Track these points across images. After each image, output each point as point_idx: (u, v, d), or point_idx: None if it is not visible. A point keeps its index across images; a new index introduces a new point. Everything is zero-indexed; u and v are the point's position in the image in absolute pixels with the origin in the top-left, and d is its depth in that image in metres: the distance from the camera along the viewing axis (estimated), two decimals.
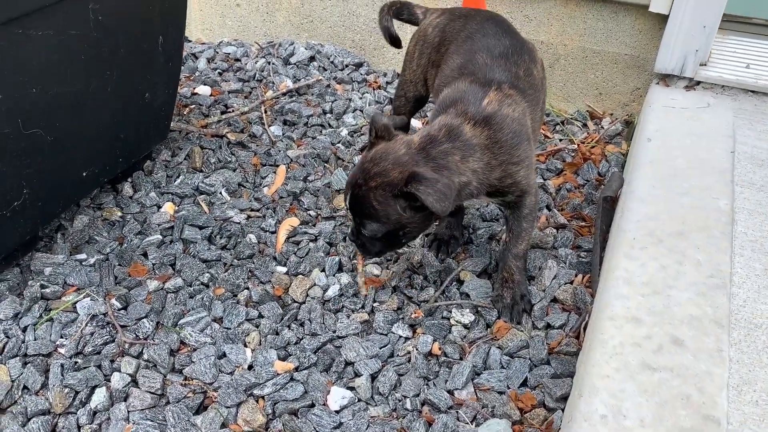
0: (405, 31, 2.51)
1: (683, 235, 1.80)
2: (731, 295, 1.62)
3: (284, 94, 2.86)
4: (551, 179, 2.38)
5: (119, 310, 1.83)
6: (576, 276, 1.93)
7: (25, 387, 1.63)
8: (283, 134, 2.62)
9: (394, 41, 2.32)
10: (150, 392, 1.63)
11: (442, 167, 1.56)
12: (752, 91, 2.48)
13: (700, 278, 1.67)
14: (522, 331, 1.78)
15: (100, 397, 1.61)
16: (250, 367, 1.71)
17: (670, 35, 2.47)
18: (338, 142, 2.59)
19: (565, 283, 1.90)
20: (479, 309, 1.84)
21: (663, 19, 2.52)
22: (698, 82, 2.54)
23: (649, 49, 2.64)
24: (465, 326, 1.80)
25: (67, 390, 1.61)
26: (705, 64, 2.53)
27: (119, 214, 2.16)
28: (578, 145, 2.56)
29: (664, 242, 1.78)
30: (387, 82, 3.00)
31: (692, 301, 1.61)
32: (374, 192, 1.57)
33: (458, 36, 1.92)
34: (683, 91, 2.52)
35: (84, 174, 2.02)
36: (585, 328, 1.75)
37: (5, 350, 1.70)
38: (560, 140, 2.63)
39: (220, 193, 2.28)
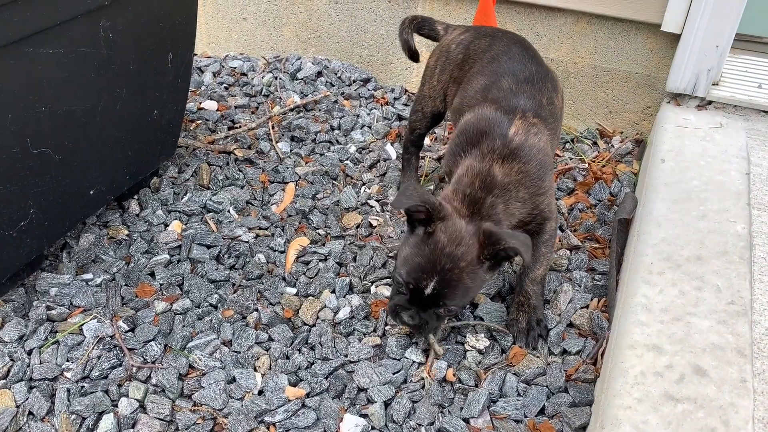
0: (422, 47, 2.48)
1: (701, 260, 1.77)
2: (753, 322, 1.60)
3: (292, 110, 2.83)
4: (563, 198, 2.36)
5: (126, 332, 1.79)
6: (592, 300, 1.90)
7: (30, 413, 1.59)
8: (290, 151, 2.60)
9: (413, 55, 2.31)
10: (158, 419, 1.59)
11: (496, 223, 1.60)
12: (765, 112, 2.46)
13: (720, 305, 1.64)
14: (538, 357, 1.75)
15: (107, 423, 1.57)
16: (261, 393, 1.67)
17: (682, 54, 2.46)
18: (346, 159, 2.56)
19: (581, 308, 1.87)
20: (494, 334, 1.81)
21: (675, 38, 2.50)
22: (710, 102, 2.52)
23: (660, 68, 2.62)
24: (480, 351, 1.77)
25: (73, 416, 1.57)
26: (717, 84, 2.52)
27: (126, 232, 2.12)
28: (589, 164, 2.53)
29: (682, 267, 1.75)
30: (395, 98, 2.98)
31: (713, 329, 1.58)
32: (466, 271, 1.54)
33: (483, 56, 1.90)
34: (695, 110, 2.51)
35: (91, 192, 1.99)
36: (602, 355, 1.72)
37: (10, 374, 1.66)
38: (570, 159, 2.60)
39: (228, 211, 2.25)
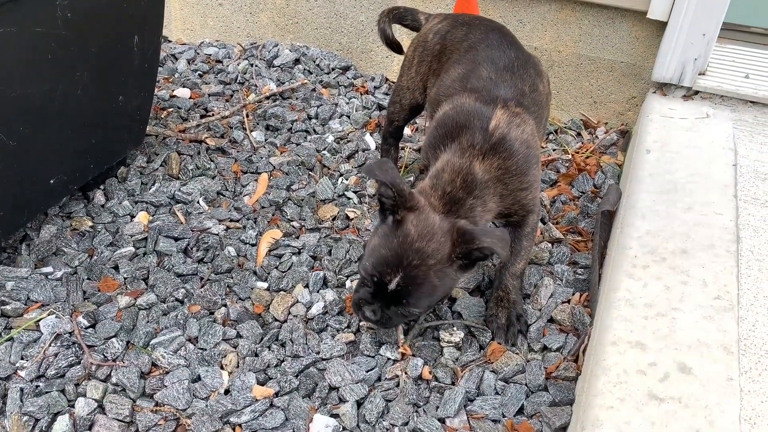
0: (403, 36, 2.40)
1: (687, 254, 1.71)
2: (739, 318, 1.54)
3: (267, 98, 2.74)
4: (546, 191, 2.29)
5: (86, 328, 1.70)
6: (573, 294, 1.83)
7: None
8: (265, 140, 2.50)
9: (392, 45, 2.23)
10: (117, 420, 1.50)
11: (473, 223, 1.52)
12: (752, 102, 2.40)
13: (706, 300, 1.58)
14: (517, 353, 1.68)
15: (62, 425, 1.48)
16: (227, 392, 1.59)
17: (668, 43, 2.39)
18: (323, 149, 2.48)
19: (563, 302, 1.80)
20: (472, 330, 1.74)
21: (661, 26, 2.44)
22: (696, 92, 2.47)
23: (646, 57, 2.56)
24: (457, 347, 1.70)
25: (26, 417, 1.48)
26: (703, 74, 2.46)
27: (90, 224, 2.03)
28: (573, 155, 2.47)
29: (667, 261, 1.69)
30: (375, 87, 2.89)
31: (698, 325, 1.51)
32: (434, 269, 1.45)
33: (460, 45, 1.82)
34: (681, 100, 2.45)
35: (51, 181, 1.89)
36: (584, 352, 1.65)
37: None
38: (554, 150, 2.54)
39: (198, 202, 2.16)
